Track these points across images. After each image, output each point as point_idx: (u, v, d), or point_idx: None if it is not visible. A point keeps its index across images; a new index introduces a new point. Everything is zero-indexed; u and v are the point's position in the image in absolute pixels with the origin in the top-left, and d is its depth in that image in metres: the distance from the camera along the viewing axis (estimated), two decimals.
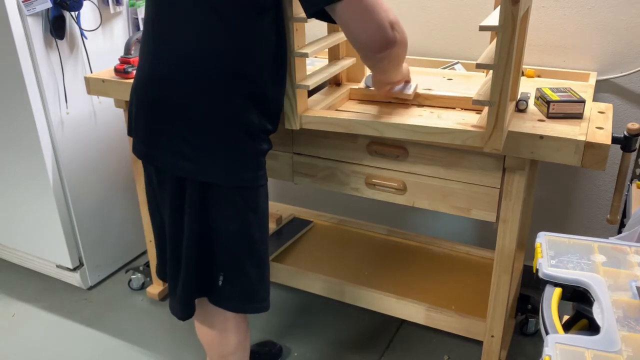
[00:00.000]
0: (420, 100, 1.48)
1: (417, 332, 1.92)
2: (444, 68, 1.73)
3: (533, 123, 1.29)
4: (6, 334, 2.00)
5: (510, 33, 1.06)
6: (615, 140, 1.26)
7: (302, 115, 1.34)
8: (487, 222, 1.42)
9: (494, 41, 1.11)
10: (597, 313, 0.84)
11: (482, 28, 1.10)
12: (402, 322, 1.96)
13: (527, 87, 1.53)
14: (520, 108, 1.36)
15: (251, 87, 1.19)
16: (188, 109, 1.18)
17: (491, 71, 1.11)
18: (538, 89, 1.39)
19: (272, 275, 1.90)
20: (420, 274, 1.87)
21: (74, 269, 2.15)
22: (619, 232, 1.46)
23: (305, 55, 1.27)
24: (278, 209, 2.26)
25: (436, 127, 1.24)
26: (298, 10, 1.22)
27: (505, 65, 1.09)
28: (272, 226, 2.14)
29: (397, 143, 1.41)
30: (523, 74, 1.63)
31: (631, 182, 1.52)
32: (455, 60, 1.74)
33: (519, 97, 1.36)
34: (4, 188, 2.12)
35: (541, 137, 1.23)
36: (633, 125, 1.28)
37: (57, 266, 2.19)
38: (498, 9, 1.09)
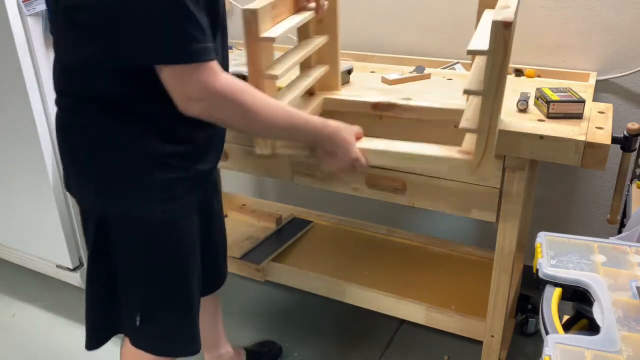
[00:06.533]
0: (398, 113, 1.42)
1: (417, 332, 1.92)
2: (443, 68, 1.73)
3: (533, 123, 1.29)
4: (6, 334, 2.00)
5: (501, 58, 1.00)
6: (615, 140, 1.26)
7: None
8: (487, 222, 1.41)
9: (478, 59, 1.05)
10: (597, 313, 0.84)
11: (470, 52, 1.03)
12: (402, 322, 1.96)
13: (527, 87, 1.53)
14: (520, 108, 1.36)
15: (134, 112, 1.04)
16: (70, 141, 1.11)
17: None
18: (538, 89, 1.39)
19: (273, 275, 1.91)
20: (420, 274, 1.87)
21: (74, 269, 2.15)
22: (619, 232, 1.46)
23: (275, 77, 1.16)
24: (278, 209, 2.26)
25: (420, 155, 1.14)
26: (264, 27, 1.13)
27: (496, 92, 1.03)
28: (272, 226, 2.14)
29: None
30: (523, 74, 1.63)
31: (631, 182, 1.52)
32: (455, 60, 1.74)
33: (519, 97, 1.36)
34: (3, 188, 2.12)
35: (541, 137, 1.23)
36: (633, 125, 1.28)
37: (57, 266, 2.19)
38: (485, 28, 1.00)
